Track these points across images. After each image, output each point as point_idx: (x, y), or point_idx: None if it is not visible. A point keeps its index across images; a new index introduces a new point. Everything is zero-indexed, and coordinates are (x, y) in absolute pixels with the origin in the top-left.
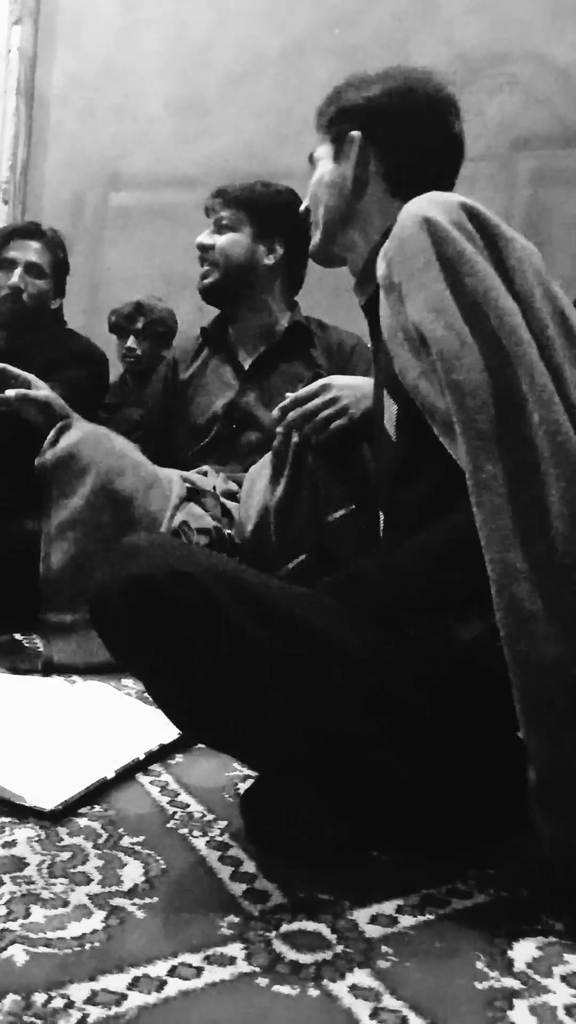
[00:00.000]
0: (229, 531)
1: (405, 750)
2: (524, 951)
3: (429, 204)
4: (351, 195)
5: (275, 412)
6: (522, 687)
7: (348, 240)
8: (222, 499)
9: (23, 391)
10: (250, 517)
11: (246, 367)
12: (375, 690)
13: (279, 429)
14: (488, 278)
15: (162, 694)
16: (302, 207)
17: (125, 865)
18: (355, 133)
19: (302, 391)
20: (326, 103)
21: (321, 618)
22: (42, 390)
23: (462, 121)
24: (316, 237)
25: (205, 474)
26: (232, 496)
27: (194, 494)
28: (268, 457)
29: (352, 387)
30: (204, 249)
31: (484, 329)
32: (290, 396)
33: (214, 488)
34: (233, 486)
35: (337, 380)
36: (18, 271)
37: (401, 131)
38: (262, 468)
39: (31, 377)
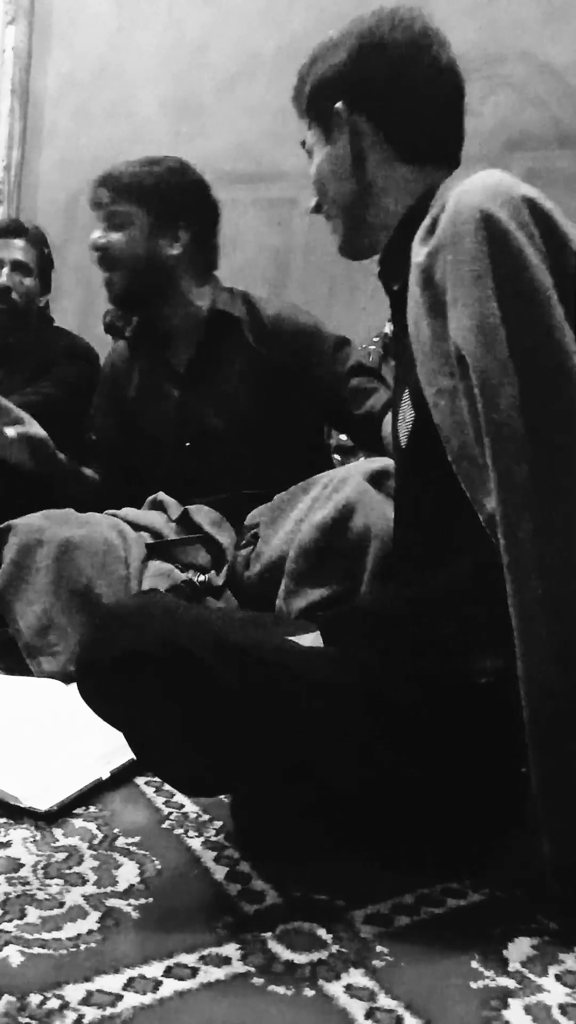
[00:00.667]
0: (202, 577)
1: (407, 784)
2: (519, 950)
3: (491, 196)
4: (355, 172)
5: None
6: (536, 722)
7: (371, 223)
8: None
9: (24, 429)
10: (261, 557)
11: (181, 371)
12: (378, 744)
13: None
14: (547, 303)
15: (146, 754)
16: (310, 205)
17: (120, 866)
18: (338, 106)
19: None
20: (299, 84)
21: (320, 674)
22: (34, 426)
23: (448, 45)
24: (337, 232)
25: (162, 505)
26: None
27: (156, 550)
28: (297, 489)
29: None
30: (100, 250)
31: (533, 366)
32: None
33: (174, 518)
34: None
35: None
36: (5, 270)
37: (385, 87)
38: (292, 501)
39: (23, 414)
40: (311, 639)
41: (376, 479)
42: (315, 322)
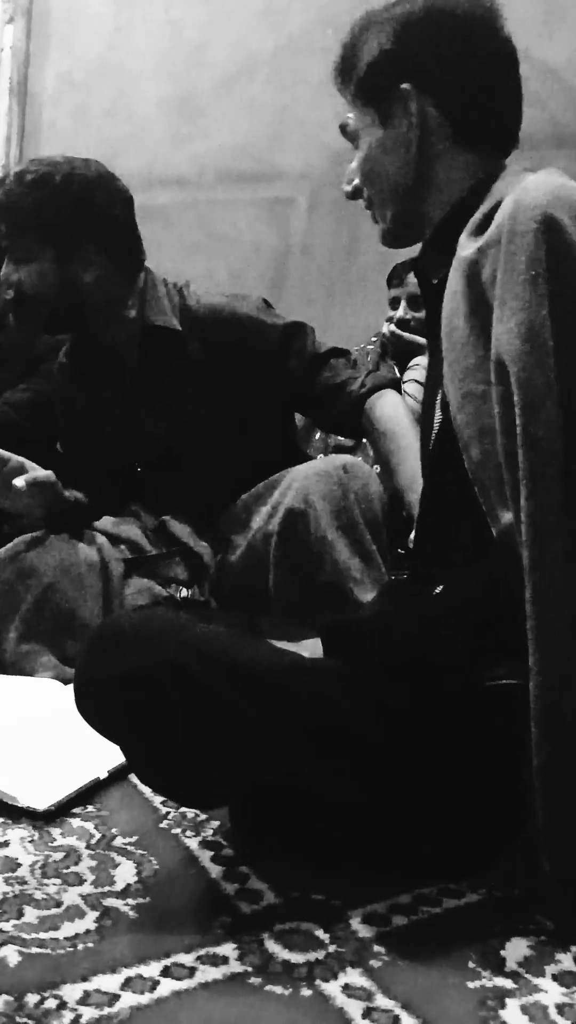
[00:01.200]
0: (184, 593)
1: (409, 794)
2: (516, 950)
3: (555, 199)
4: (419, 158)
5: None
6: (545, 730)
7: (424, 212)
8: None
9: (33, 476)
10: (239, 545)
11: (126, 388)
12: (379, 756)
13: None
14: None
15: (147, 770)
16: (348, 188)
17: (118, 865)
18: (405, 87)
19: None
20: (345, 59)
21: (322, 690)
22: (37, 470)
23: (504, 21)
24: (387, 219)
25: (138, 515)
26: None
27: (134, 566)
28: (260, 487)
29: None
30: (12, 287)
31: None
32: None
33: (150, 527)
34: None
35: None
36: None
37: (452, 64)
38: (258, 503)
39: (20, 459)
40: (311, 646)
41: (329, 475)
42: (255, 309)
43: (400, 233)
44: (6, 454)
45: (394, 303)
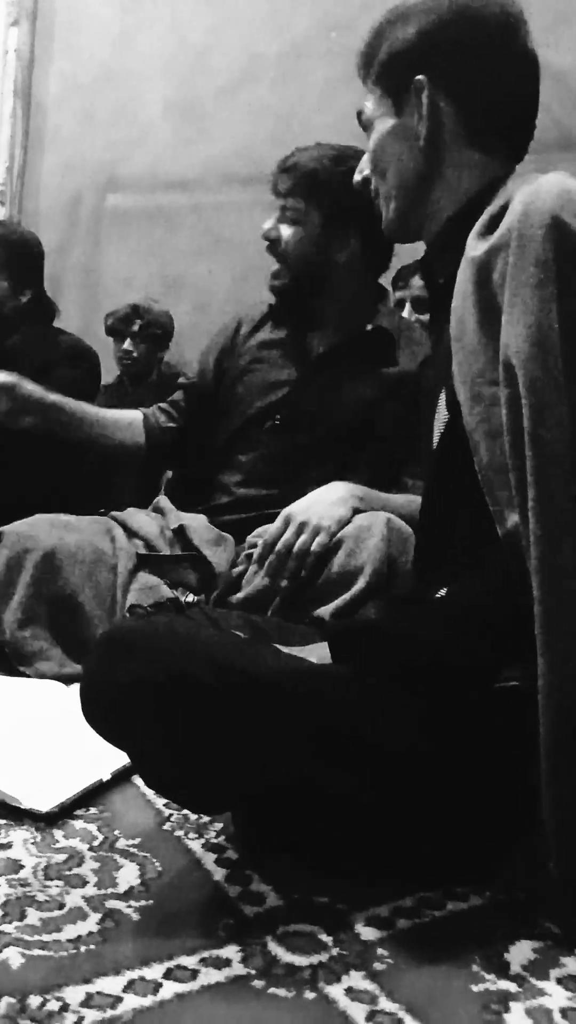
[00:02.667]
0: (190, 598)
1: (416, 798)
2: (520, 954)
3: (563, 201)
4: (427, 151)
5: (241, 562)
6: (554, 732)
7: (429, 206)
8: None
9: None
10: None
11: (314, 354)
12: (388, 761)
13: (261, 577)
14: None
15: (155, 777)
16: (358, 177)
17: (121, 867)
18: (420, 78)
19: (268, 535)
20: (369, 47)
21: (330, 693)
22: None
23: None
24: (389, 213)
25: (161, 511)
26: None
27: (146, 563)
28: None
29: (313, 504)
30: (270, 241)
31: None
32: (258, 542)
33: (172, 527)
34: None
35: (295, 508)
36: None
37: (472, 64)
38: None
39: None
40: (319, 652)
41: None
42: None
43: (403, 225)
44: None
45: (399, 305)
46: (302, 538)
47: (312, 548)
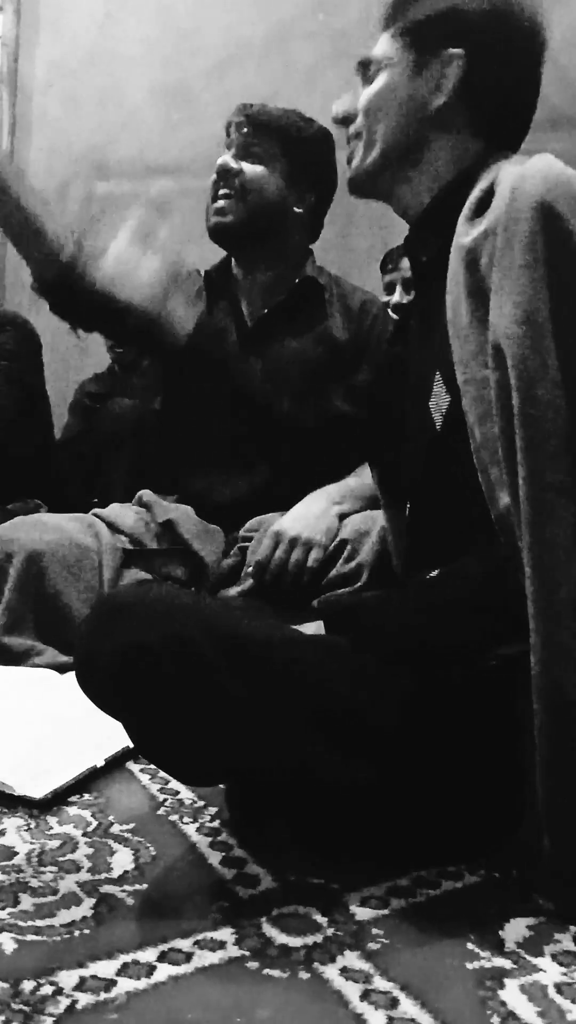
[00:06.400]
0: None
1: (408, 776)
2: (515, 931)
3: (552, 186)
4: (430, 121)
5: (234, 554)
6: (550, 730)
7: (405, 172)
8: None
9: None
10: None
11: (250, 325)
12: (380, 735)
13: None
14: None
15: (149, 744)
16: (339, 111)
17: (115, 852)
18: (457, 51)
19: (259, 554)
20: None
21: (328, 663)
22: None
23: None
24: (366, 158)
25: (146, 505)
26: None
27: (133, 558)
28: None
29: (299, 519)
30: (227, 174)
31: None
32: (253, 536)
33: (159, 520)
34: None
35: (283, 525)
36: None
37: (503, 61)
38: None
39: None
40: (313, 629)
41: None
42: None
43: (370, 180)
44: None
45: (389, 288)
46: (295, 555)
47: (308, 564)
